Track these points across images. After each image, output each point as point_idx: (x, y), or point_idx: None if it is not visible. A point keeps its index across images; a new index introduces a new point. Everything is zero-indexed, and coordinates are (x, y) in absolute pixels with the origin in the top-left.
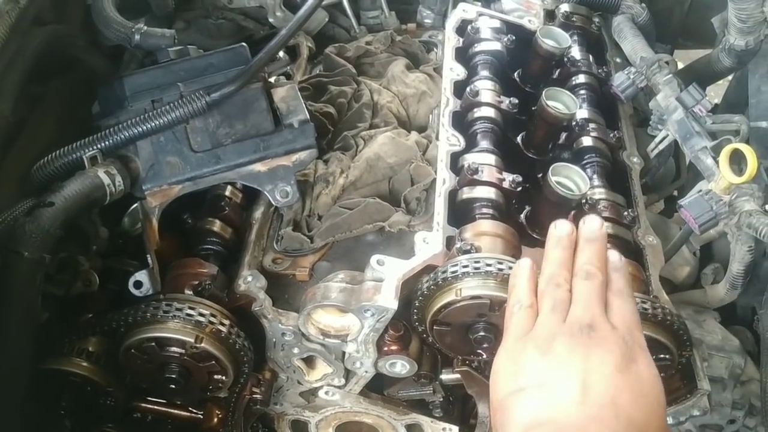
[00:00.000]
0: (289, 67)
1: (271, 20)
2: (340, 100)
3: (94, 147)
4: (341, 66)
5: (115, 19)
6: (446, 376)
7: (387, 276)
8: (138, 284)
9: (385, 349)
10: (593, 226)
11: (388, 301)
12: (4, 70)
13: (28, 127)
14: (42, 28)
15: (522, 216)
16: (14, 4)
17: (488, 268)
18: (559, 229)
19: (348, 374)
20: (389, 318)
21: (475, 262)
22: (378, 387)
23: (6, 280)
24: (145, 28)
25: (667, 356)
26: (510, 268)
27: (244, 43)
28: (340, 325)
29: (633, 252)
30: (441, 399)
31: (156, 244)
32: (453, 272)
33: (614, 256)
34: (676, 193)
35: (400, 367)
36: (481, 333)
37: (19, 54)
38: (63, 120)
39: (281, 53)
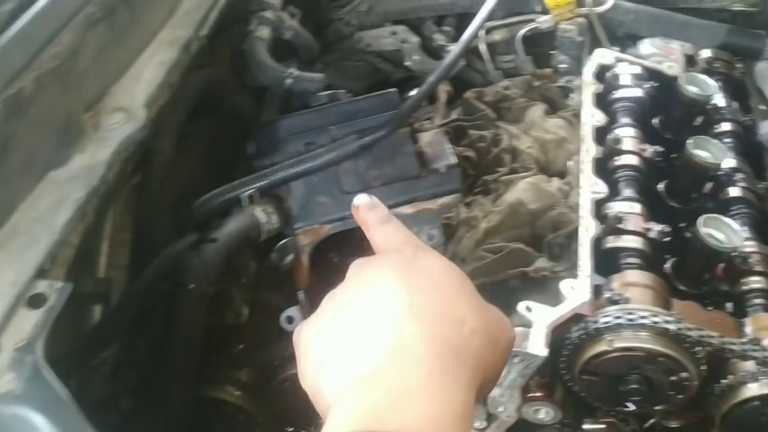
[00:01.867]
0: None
1: (407, 64)
2: (479, 144)
3: (253, 186)
4: (480, 110)
5: (268, 63)
6: (589, 426)
7: (536, 323)
8: (290, 319)
9: (530, 395)
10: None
11: (538, 348)
12: (169, 113)
13: (177, 162)
14: (200, 70)
15: (667, 266)
16: (188, 52)
17: (643, 321)
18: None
19: (489, 417)
20: (538, 365)
21: (629, 313)
22: None
23: (173, 312)
24: (297, 72)
25: None
26: (666, 321)
27: (394, 89)
28: None
29: None
30: None
31: (306, 280)
32: (605, 323)
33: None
34: None
35: (545, 413)
36: (633, 385)
37: (182, 96)
38: (206, 155)
39: None
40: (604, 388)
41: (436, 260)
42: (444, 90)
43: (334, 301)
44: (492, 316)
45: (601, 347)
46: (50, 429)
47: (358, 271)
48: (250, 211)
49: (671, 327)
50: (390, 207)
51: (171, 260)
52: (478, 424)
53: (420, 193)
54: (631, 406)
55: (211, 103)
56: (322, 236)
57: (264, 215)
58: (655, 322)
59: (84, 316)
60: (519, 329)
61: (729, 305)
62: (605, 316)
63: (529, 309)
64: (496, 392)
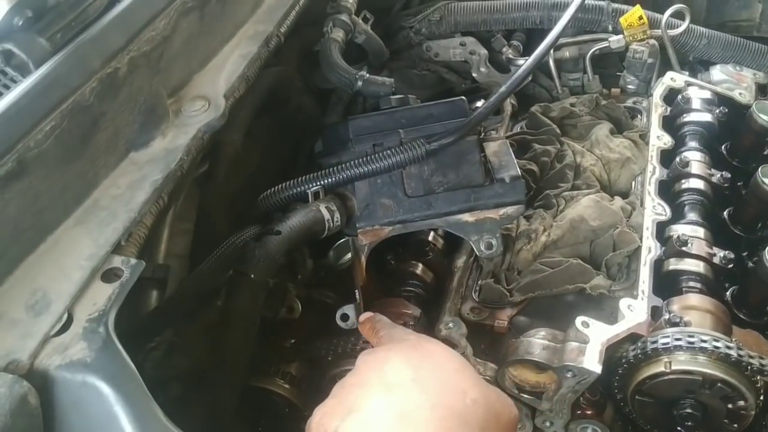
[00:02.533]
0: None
1: (474, 75)
2: (543, 158)
3: (318, 183)
4: (546, 125)
5: (340, 65)
6: None
7: (592, 339)
8: (345, 317)
9: (579, 412)
10: None
11: (593, 364)
12: (242, 105)
13: (241, 156)
14: (271, 69)
15: (728, 294)
16: (267, 48)
17: (703, 344)
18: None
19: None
20: (591, 382)
21: (689, 336)
22: None
23: (232, 300)
24: (368, 75)
25: None
26: (727, 347)
27: (463, 97)
28: (535, 381)
29: None
30: None
31: (363, 280)
32: (664, 344)
33: None
34: None
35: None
36: (688, 410)
37: (252, 92)
38: (267, 152)
39: None
40: (658, 410)
41: (437, 345)
42: (509, 103)
43: (344, 389)
44: (494, 392)
45: (658, 368)
46: (116, 398)
47: (366, 358)
48: (314, 207)
49: (732, 353)
50: (451, 213)
51: (235, 249)
52: None
53: (482, 202)
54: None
55: (277, 101)
56: (381, 237)
57: (328, 212)
58: (716, 347)
59: (141, 300)
60: (574, 344)
61: None
62: (664, 336)
63: (586, 324)
64: (544, 406)
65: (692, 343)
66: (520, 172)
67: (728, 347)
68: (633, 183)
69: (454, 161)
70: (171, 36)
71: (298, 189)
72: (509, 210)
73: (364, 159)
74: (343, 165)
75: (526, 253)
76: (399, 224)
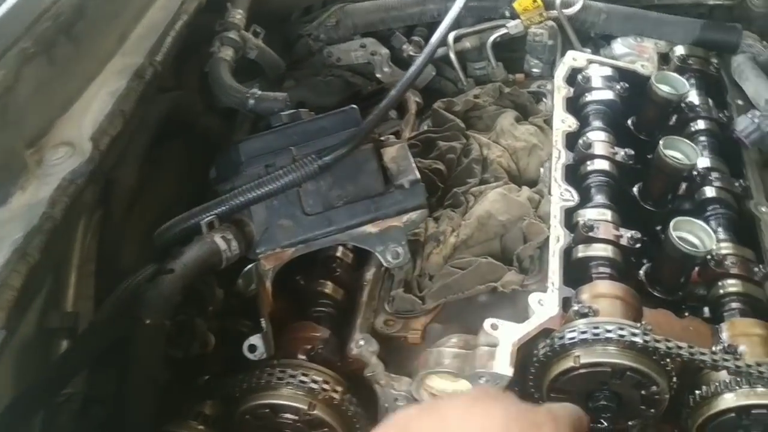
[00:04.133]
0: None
1: (378, 76)
2: (449, 155)
3: (211, 213)
4: (450, 121)
5: (230, 85)
6: None
7: (501, 341)
8: (252, 348)
9: None
10: None
11: (504, 368)
12: (129, 141)
13: (148, 188)
14: (164, 95)
15: (641, 272)
16: (140, 80)
17: (608, 335)
18: None
19: None
20: (504, 385)
21: (595, 327)
22: None
23: (130, 346)
24: (259, 92)
25: None
26: (632, 333)
27: (354, 105)
28: (453, 390)
29: (765, 313)
30: None
31: (270, 306)
32: (570, 338)
33: None
34: None
35: None
36: (602, 402)
37: (144, 123)
38: (181, 178)
39: (392, 112)
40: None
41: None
42: (413, 101)
43: None
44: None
45: (568, 364)
46: None
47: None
48: (209, 239)
49: (638, 340)
50: (354, 226)
51: (128, 293)
52: None
53: (383, 211)
54: (605, 423)
55: (181, 126)
56: (285, 260)
57: (224, 242)
58: (622, 336)
59: (51, 351)
60: (484, 348)
61: (706, 309)
62: (571, 331)
63: (494, 327)
64: None
65: (597, 334)
66: (418, 176)
67: (633, 334)
68: (541, 170)
69: (351, 173)
70: (14, 86)
71: (191, 222)
72: (413, 215)
73: (257, 182)
74: (236, 191)
75: (436, 256)
76: (301, 244)
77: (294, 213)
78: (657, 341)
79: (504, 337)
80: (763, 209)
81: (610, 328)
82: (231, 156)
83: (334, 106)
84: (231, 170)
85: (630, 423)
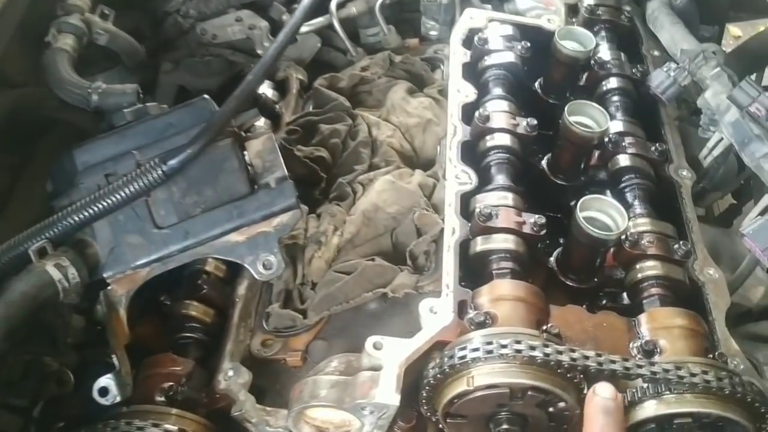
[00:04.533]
0: (278, 106)
1: (259, 52)
2: (333, 140)
3: (42, 237)
4: (332, 100)
5: (68, 79)
6: None
7: (386, 363)
8: (103, 392)
9: None
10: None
11: (388, 396)
12: None
13: (18, 194)
14: (7, 93)
15: (552, 259)
16: None
17: (503, 350)
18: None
19: None
20: (392, 414)
21: (487, 343)
22: None
23: None
24: (104, 86)
25: None
26: (531, 347)
27: (206, 96)
28: (340, 420)
29: (688, 294)
30: None
31: (126, 338)
32: (461, 357)
33: None
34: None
35: None
36: (504, 426)
37: None
38: None
39: (270, 90)
40: (476, 429)
41: None
42: (296, 78)
43: None
44: None
45: (461, 387)
46: None
47: None
48: (38, 269)
49: (537, 354)
50: (216, 237)
51: None
52: None
53: (250, 217)
54: None
55: (40, 126)
56: (139, 282)
57: (58, 271)
58: (518, 351)
59: None
60: (366, 374)
61: (624, 296)
62: (461, 348)
63: (378, 346)
64: None
65: (491, 351)
66: (286, 172)
67: (532, 348)
68: (438, 148)
69: (208, 174)
70: None
71: (17, 251)
72: (283, 218)
73: (94, 196)
74: (69, 209)
75: (319, 260)
76: (156, 263)
77: (144, 227)
78: (560, 353)
79: (389, 357)
80: (684, 173)
81: (504, 342)
82: (65, 165)
83: (217, 90)
84: (67, 183)
85: None
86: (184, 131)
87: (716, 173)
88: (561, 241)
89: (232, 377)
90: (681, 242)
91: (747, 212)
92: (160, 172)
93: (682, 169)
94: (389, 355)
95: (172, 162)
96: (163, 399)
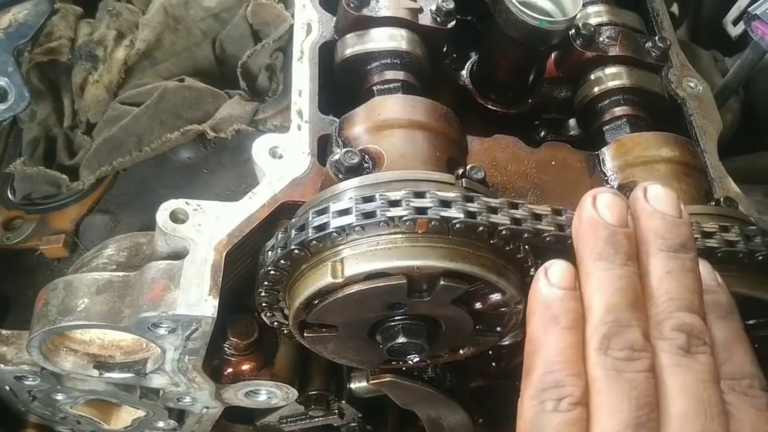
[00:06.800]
0: None
1: None
2: None
3: None
4: None
5: None
6: (358, 385)
7: (195, 246)
8: None
9: (229, 371)
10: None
11: (196, 303)
12: None
13: None
14: None
15: (464, 73)
16: None
17: (393, 212)
18: (603, 206)
19: (179, 413)
20: (209, 331)
21: (366, 200)
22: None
23: None
24: None
25: None
26: (442, 203)
27: None
28: (132, 341)
29: (665, 113)
30: (358, 419)
31: None
32: (321, 228)
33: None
34: None
35: (266, 395)
36: (400, 339)
37: None
38: None
39: None
40: (351, 344)
41: None
42: None
43: None
44: None
45: (323, 279)
46: None
47: None
48: None
49: (454, 214)
50: None
51: None
52: (164, 425)
53: None
54: (415, 359)
55: None
56: None
57: None
58: (420, 211)
59: None
60: (161, 265)
61: (573, 124)
62: (320, 213)
63: (178, 218)
64: (160, 381)
65: (371, 214)
66: None
67: (444, 203)
68: None
69: None
70: None
71: None
72: (18, 14)
73: None
74: None
75: (95, 87)
76: None
77: None
78: (492, 211)
79: (200, 236)
80: None
81: (396, 197)
82: None
83: None
84: None
85: (462, 351)
86: None
87: None
88: (472, 56)
89: None
90: (656, 37)
91: None
92: None
93: None
94: (200, 231)
95: None
96: None
